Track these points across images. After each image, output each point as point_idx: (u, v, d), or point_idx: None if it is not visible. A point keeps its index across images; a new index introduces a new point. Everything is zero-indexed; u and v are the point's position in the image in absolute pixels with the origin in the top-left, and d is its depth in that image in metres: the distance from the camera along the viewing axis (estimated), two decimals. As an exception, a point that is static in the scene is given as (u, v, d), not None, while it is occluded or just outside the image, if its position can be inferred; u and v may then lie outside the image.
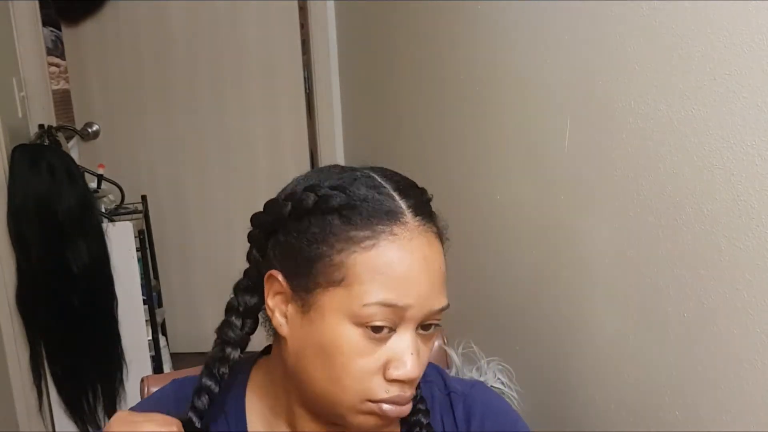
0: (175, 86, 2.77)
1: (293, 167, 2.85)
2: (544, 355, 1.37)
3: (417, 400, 0.73)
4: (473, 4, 1.50)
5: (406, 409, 0.67)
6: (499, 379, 1.36)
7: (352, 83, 2.59)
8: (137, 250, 2.14)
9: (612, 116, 1.06)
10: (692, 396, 0.96)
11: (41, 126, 2.21)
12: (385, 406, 0.65)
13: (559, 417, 1.01)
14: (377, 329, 0.63)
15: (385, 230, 0.63)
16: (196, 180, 2.86)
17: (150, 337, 2.22)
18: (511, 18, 1.36)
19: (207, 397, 0.69)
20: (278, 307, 0.68)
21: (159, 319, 2.41)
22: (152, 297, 2.30)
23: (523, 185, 1.38)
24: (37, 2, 2.31)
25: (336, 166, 0.71)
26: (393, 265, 0.63)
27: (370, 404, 0.65)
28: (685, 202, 0.93)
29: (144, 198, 2.52)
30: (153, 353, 2.26)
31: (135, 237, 2.13)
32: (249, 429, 0.73)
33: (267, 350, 0.77)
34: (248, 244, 0.72)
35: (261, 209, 0.70)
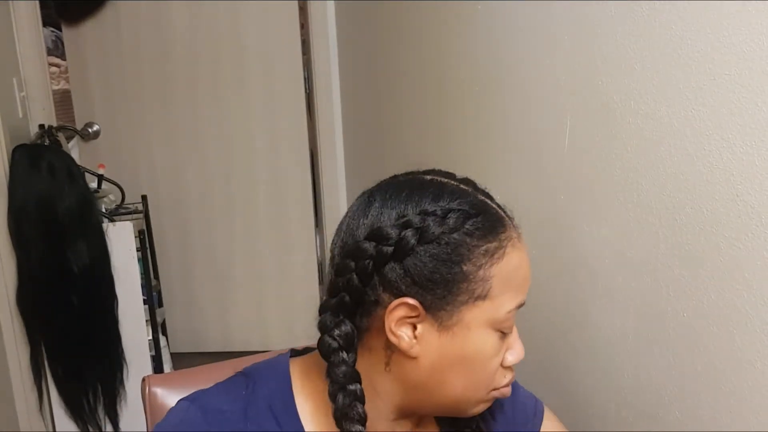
0: (176, 86, 2.77)
1: (293, 167, 2.86)
2: (544, 355, 1.37)
3: None
4: (473, 4, 1.50)
5: None
6: (499, 379, 1.36)
7: (352, 83, 2.59)
8: (137, 250, 2.14)
9: (612, 116, 1.06)
10: (692, 396, 0.96)
11: (41, 126, 2.21)
12: (504, 389, 0.73)
13: (559, 417, 1.01)
14: (510, 327, 0.70)
15: (506, 236, 0.68)
16: (196, 180, 2.86)
17: (150, 337, 2.22)
18: (511, 18, 1.36)
19: None
20: (405, 332, 0.68)
21: (159, 319, 2.41)
22: (152, 297, 2.30)
23: (523, 185, 1.38)
24: (37, 2, 2.31)
25: (408, 182, 0.71)
26: (519, 268, 0.69)
27: (493, 392, 0.72)
28: (685, 202, 0.93)
29: (144, 198, 2.52)
30: (153, 353, 2.26)
31: (135, 237, 2.13)
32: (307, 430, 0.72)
33: (293, 352, 0.77)
34: (335, 275, 0.69)
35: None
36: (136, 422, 2.14)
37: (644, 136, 1.00)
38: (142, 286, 2.18)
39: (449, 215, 0.66)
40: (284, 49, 2.76)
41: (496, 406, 0.84)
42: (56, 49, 2.82)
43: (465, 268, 0.66)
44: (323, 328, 0.70)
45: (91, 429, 2.12)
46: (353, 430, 0.67)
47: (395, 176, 0.74)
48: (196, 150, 2.83)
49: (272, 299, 2.96)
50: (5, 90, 2.03)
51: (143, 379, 1.02)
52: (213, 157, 2.85)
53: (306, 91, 2.82)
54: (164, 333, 2.62)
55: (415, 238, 0.66)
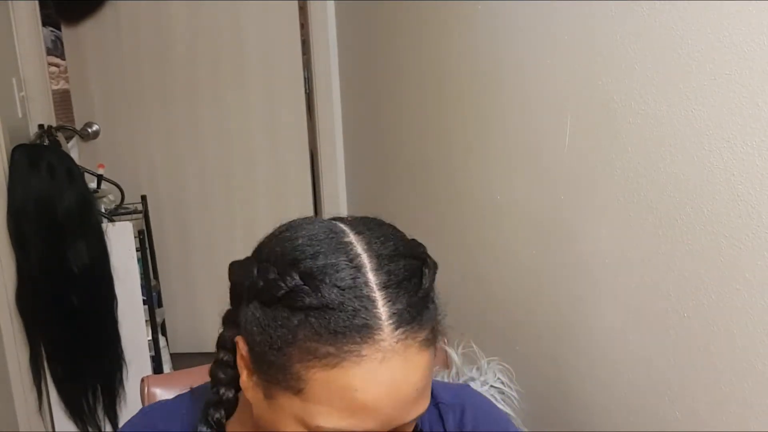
0: (175, 86, 2.77)
1: (293, 167, 2.86)
2: (544, 355, 1.37)
3: None
4: (473, 4, 1.50)
5: None
6: (499, 378, 1.36)
7: (352, 83, 2.59)
8: (137, 250, 2.14)
9: (612, 116, 1.06)
10: (692, 396, 0.96)
11: (41, 126, 2.21)
12: None
13: (559, 417, 1.01)
14: None
15: (352, 350, 0.55)
16: (196, 180, 2.86)
17: (150, 337, 2.22)
18: (511, 18, 1.36)
19: None
20: (246, 368, 0.63)
21: (159, 319, 2.41)
22: (152, 297, 2.29)
23: (523, 185, 1.38)
24: (37, 2, 2.31)
25: (324, 231, 0.60)
26: (354, 392, 0.55)
27: None
28: (685, 202, 0.93)
29: (144, 198, 2.52)
30: (153, 353, 2.26)
31: (135, 237, 2.13)
32: None
33: None
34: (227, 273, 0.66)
35: (237, 259, 0.65)
36: (136, 422, 2.13)
37: (644, 136, 1.00)
38: (142, 287, 2.18)
39: (302, 291, 0.56)
40: (284, 49, 2.76)
41: None
42: (56, 49, 2.82)
43: (282, 354, 0.57)
44: (223, 319, 0.68)
45: (90, 429, 2.12)
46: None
47: (346, 216, 0.66)
48: (196, 150, 2.83)
49: (272, 299, 2.95)
50: (5, 90, 2.03)
51: (143, 380, 1.02)
52: (213, 157, 2.84)
53: (306, 91, 2.82)
54: (164, 333, 2.62)
55: (257, 291, 0.59)
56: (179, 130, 2.81)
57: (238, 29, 2.73)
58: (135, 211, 2.35)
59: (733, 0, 0.82)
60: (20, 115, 2.12)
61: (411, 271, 0.59)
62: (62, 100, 2.74)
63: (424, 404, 0.59)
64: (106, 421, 2.14)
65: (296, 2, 2.72)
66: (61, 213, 1.93)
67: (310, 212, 2.91)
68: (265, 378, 0.60)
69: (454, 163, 1.69)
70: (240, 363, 0.63)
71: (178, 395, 0.76)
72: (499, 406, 1.31)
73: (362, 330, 0.55)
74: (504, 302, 1.50)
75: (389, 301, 0.56)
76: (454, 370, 1.31)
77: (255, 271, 0.60)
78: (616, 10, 1.03)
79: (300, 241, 0.60)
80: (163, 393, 1.00)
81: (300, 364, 0.56)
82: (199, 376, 1.04)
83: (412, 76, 1.94)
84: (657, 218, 0.99)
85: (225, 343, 0.67)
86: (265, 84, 2.79)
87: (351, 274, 0.56)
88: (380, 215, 0.65)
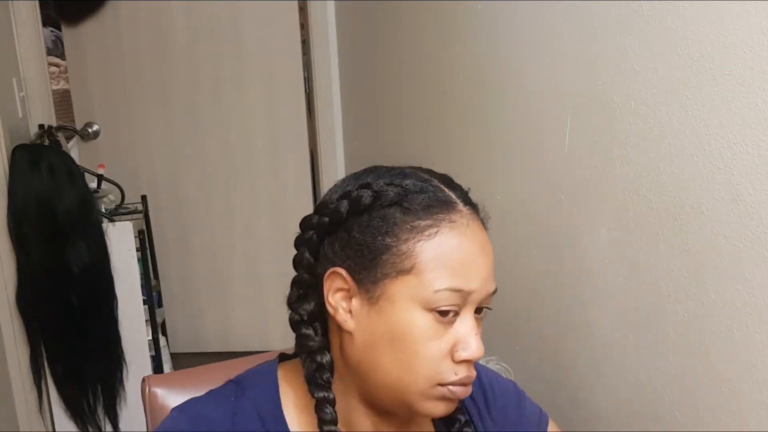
0: (175, 86, 2.77)
1: (293, 167, 2.86)
2: (544, 355, 1.37)
3: None
4: (473, 4, 1.50)
5: (471, 389, 0.70)
6: (499, 379, 1.36)
7: (352, 83, 2.59)
8: (137, 250, 2.14)
9: (612, 116, 1.07)
10: (692, 396, 0.96)
11: (41, 126, 2.21)
12: (454, 388, 0.67)
13: (558, 416, 1.01)
14: (445, 313, 0.65)
15: (444, 218, 0.66)
16: (196, 180, 2.86)
17: (150, 337, 2.22)
18: (511, 18, 1.36)
19: (330, 407, 0.68)
20: (341, 304, 0.68)
21: (159, 319, 2.41)
22: (152, 297, 2.30)
23: (523, 185, 1.38)
24: (37, 2, 2.31)
25: (379, 167, 0.73)
26: (457, 250, 0.66)
27: (440, 388, 0.67)
28: (685, 202, 0.93)
29: (144, 198, 2.52)
30: (153, 353, 2.26)
31: (135, 237, 2.13)
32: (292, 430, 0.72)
33: (281, 357, 0.78)
34: (295, 250, 0.73)
35: (296, 213, 0.73)
36: (136, 422, 2.13)
37: (644, 136, 1.00)
38: (142, 286, 2.18)
39: (387, 189, 0.67)
40: (284, 49, 2.76)
41: (500, 412, 0.83)
42: (56, 49, 2.82)
43: (388, 240, 0.65)
44: (289, 303, 0.73)
45: (90, 429, 2.12)
46: (319, 396, 0.68)
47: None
48: (196, 150, 2.83)
49: (272, 299, 2.95)
50: (5, 90, 2.03)
51: (143, 380, 1.02)
52: (213, 157, 2.84)
53: (306, 91, 2.82)
54: (164, 333, 2.62)
55: (346, 208, 0.67)
56: (179, 130, 2.81)
57: (238, 29, 2.74)
58: (135, 211, 2.35)
59: (733, 0, 0.82)
60: (20, 115, 2.12)
61: (451, 179, 0.72)
62: (62, 100, 2.75)
63: (494, 282, 0.70)
64: (106, 421, 2.14)
65: (296, 2, 2.72)
66: (62, 213, 1.93)
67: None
68: (372, 281, 0.66)
69: (454, 163, 1.69)
70: (332, 302, 0.68)
71: (211, 390, 0.76)
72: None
73: (446, 203, 0.67)
74: (503, 301, 1.50)
75: (451, 189, 0.69)
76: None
77: (335, 199, 0.69)
78: (616, 10, 1.04)
79: (361, 174, 0.72)
80: (163, 393, 1.00)
81: (406, 243, 0.65)
82: (200, 376, 1.04)
83: (411, 76, 1.94)
84: (657, 218, 0.99)
85: (300, 320, 0.72)
86: (265, 84, 2.79)
87: (416, 176, 0.70)
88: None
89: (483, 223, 0.71)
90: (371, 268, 0.66)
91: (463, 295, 0.66)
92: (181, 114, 2.79)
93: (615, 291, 1.12)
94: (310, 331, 0.71)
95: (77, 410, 2.09)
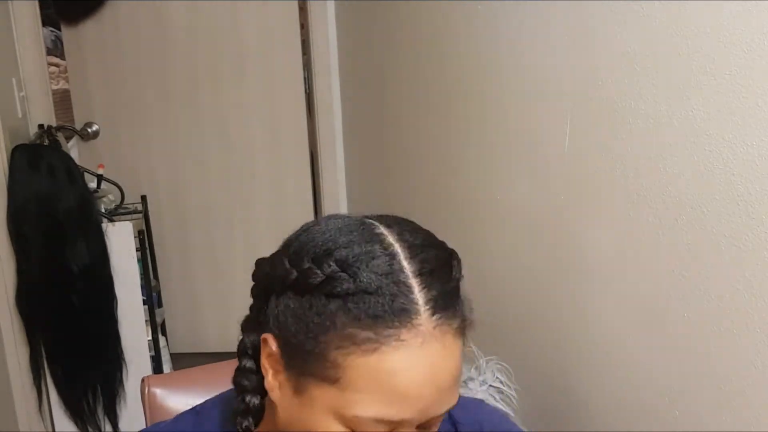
0: (175, 86, 2.77)
1: (293, 167, 2.86)
2: (544, 354, 1.37)
3: None
4: (473, 4, 1.50)
5: None
6: (497, 378, 1.36)
7: (352, 83, 2.59)
8: (137, 250, 2.14)
9: (612, 116, 1.06)
10: (692, 396, 0.96)
11: (41, 126, 2.21)
12: None
13: (558, 416, 1.01)
14: None
15: (391, 335, 0.55)
16: (196, 180, 2.86)
17: (150, 337, 2.22)
18: (511, 18, 1.36)
19: None
20: (273, 368, 0.62)
21: (159, 319, 2.41)
22: (152, 297, 2.29)
23: (523, 185, 1.38)
24: (37, 2, 2.31)
25: (355, 223, 0.61)
26: (394, 376, 0.55)
27: None
28: (685, 202, 0.93)
29: (144, 198, 2.52)
30: (153, 353, 2.26)
31: (135, 237, 2.13)
32: None
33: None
34: (252, 269, 0.67)
35: (258, 260, 0.65)
36: (136, 423, 2.13)
37: (644, 136, 1.00)
38: (142, 287, 2.18)
39: (339, 278, 0.56)
40: (284, 49, 2.76)
41: None
42: (56, 49, 2.81)
43: (320, 339, 0.56)
44: (241, 327, 0.68)
45: (90, 429, 2.12)
46: None
47: (370, 214, 0.65)
48: (196, 150, 2.83)
49: (272, 299, 2.95)
50: (5, 90, 2.03)
51: (143, 380, 1.02)
52: (213, 157, 2.84)
53: (306, 91, 2.82)
54: (164, 333, 2.62)
55: (291, 281, 0.59)
56: (179, 130, 2.81)
57: (237, 29, 2.73)
58: (135, 211, 2.35)
59: (733, 0, 0.82)
60: (20, 115, 2.12)
61: (442, 260, 0.59)
62: (62, 100, 2.74)
63: (455, 396, 0.59)
64: (106, 421, 2.14)
65: (296, 2, 2.72)
66: (61, 213, 1.93)
67: (310, 212, 2.91)
68: (298, 371, 0.59)
69: (454, 162, 1.69)
70: (265, 364, 0.62)
71: (177, 416, 0.74)
72: (498, 405, 1.31)
73: (401, 314, 0.55)
74: (503, 301, 1.50)
75: (425, 287, 0.56)
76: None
77: (287, 263, 0.60)
78: (616, 10, 1.03)
79: (332, 234, 0.60)
80: (163, 393, 1.00)
81: (338, 351, 0.55)
82: (200, 376, 1.04)
83: (411, 75, 1.94)
84: (657, 218, 0.99)
85: (246, 350, 0.66)
86: (265, 84, 2.79)
87: (386, 261, 0.56)
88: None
89: (462, 327, 0.59)
90: (298, 358, 0.58)
91: (393, 424, 0.57)
92: (181, 114, 2.79)
93: (615, 291, 1.12)
94: (251, 365, 0.65)
95: (77, 410, 2.09)
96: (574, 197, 1.21)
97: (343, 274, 0.56)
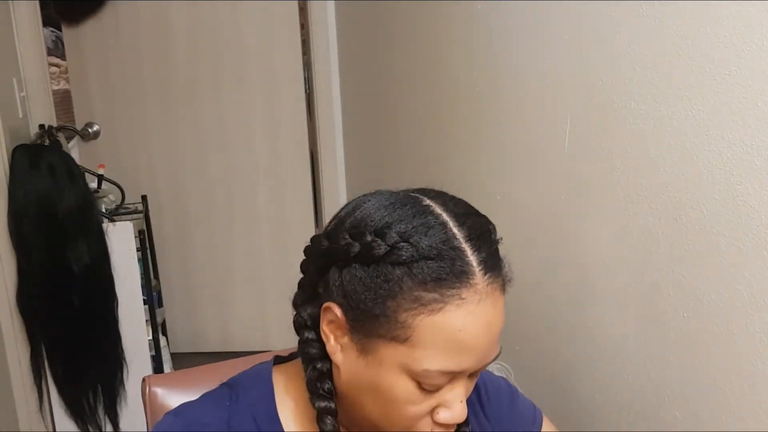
0: (176, 86, 2.77)
1: (293, 167, 2.86)
2: (544, 355, 1.37)
3: None
4: (472, 4, 1.50)
5: None
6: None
7: (352, 83, 2.59)
8: (137, 250, 2.14)
9: (612, 116, 1.07)
10: (692, 396, 0.96)
11: (41, 126, 2.21)
12: None
13: (557, 416, 1.01)
14: (433, 385, 0.64)
15: (453, 294, 0.61)
16: (196, 180, 2.86)
17: (150, 337, 2.23)
18: (510, 18, 1.36)
19: (331, 417, 0.68)
20: (334, 334, 0.67)
21: (159, 319, 2.41)
22: (152, 297, 2.30)
23: (523, 185, 1.38)
24: (37, 2, 2.31)
25: (406, 197, 0.67)
26: (458, 332, 0.61)
27: None
28: (685, 202, 0.93)
29: (144, 198, 2.52)
30: (153, 353, 2.26)
31: (135, 237, 2.13)
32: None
33: (277, 359, 0.78)
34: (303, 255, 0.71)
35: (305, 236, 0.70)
36: (136, 422, 2.14)
37: (644, 136, 1.00)
38: (142, 286, 2.18)
39: (402, 247, 0.61)
40: (284, 49, 2.76)
41: (495, 410, 0.84)
42: (56, 49, 2.82)
43: (389, 303, 0.62)
44: (294, 304, 0.73)
45: (91, 429, 2.12)
46: (320, 406, 0.67)
47: (409, 188, 0.71)
48: (196, 150, 2.84)
49: (272, 299, 2.96)
50: (5, 90, 2.03)
51: (143, 379, 1.02)
52: (213, 157, 2.85)
53: (306, 91, 2.82)
54: (164, 333, 2.63)
55: (354, 253, 0.63)
56: (179, 130, 2.81)
57: (238, 29, 2.74)
58: (135, 211, 2.35)
59: (733, 0, 0.82)
60: (21, 115, 2.12)
61: (483, 226, 0.66)
62: (62, 100, 2.74)
63: (498, 347, 0.66)
64: (107, 420, 2.14)
65: (296, 2, 2.72)
66: (62, 213, 1.93)
67: (310, 212, 2.92)
68: (364, 334, 0.64)
69: (454, 163, 1.69)
70: (326, 330, 0.67)
71: (205, 394, 0.75)
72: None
73: (461, 276, 0.61)
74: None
75: (475, 250, 0.63)
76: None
77: (348, 237, 0.64)
78: (616, 10, 1.04)
79: (386, 209, 0.65)
80: (163, 393, 1.00)
81: (406, 312, 0.61)
82: (200, 375, 1.04)
83: (411, 76, 1.94)
84: (657, 218, 0.99)
85: (304, 323, 0.71)
86: (265, 84, 2.79)
87: (441, 230, 0.63)
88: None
89: (504, 285, 0.66)
90: (366, 322, 0.63)
91: (454, 374, 0.64)
92: (181, 114, 2.79)
93: (615, 291, 1.12)
94: (312, 336, 0.70)
95: (77, 410, 2.10)
96: (574, 197, 1.21)
97: (405, 244, 0.62)
